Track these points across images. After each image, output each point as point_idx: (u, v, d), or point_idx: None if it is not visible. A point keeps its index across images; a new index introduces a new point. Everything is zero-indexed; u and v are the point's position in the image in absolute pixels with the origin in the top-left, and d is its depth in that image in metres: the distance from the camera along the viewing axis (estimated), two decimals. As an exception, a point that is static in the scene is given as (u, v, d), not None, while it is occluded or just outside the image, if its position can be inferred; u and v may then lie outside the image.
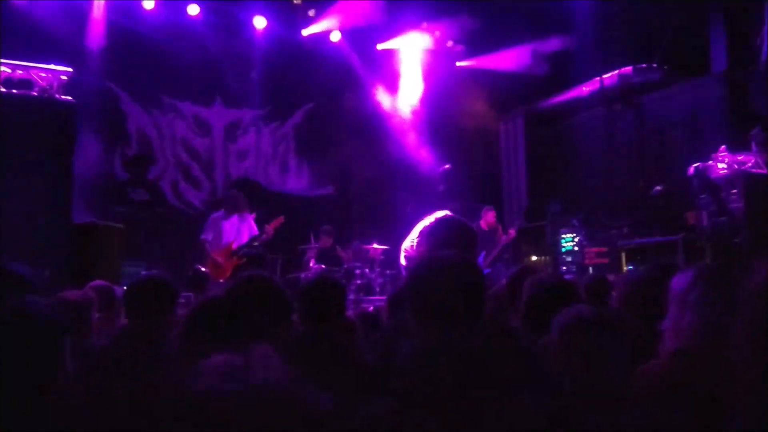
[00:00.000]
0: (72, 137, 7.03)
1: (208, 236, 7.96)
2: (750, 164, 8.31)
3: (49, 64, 7.12)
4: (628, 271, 8.26)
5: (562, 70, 11.71)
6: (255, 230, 8.01)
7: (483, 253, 9.02)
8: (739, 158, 8.32)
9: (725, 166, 8.24)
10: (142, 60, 10.74)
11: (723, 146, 8.44)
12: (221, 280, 7.59)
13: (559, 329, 1.86)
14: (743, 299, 1.10)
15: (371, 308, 7.04)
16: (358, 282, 9.32)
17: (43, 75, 7.01)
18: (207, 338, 2.04)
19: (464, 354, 1.54)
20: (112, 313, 3.53)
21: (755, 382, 1.06)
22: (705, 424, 1.69)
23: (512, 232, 9.69)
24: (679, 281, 1.89)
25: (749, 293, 1.09)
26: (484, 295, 1.92)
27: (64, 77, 7.08)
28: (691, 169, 8.38)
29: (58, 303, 3.43)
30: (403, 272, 8.71)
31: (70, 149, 7.02)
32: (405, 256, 9.74)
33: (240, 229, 7.99)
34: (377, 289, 9.44)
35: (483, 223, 9.23)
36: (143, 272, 5.95)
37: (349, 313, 4.95)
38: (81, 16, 10.19)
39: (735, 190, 7.95)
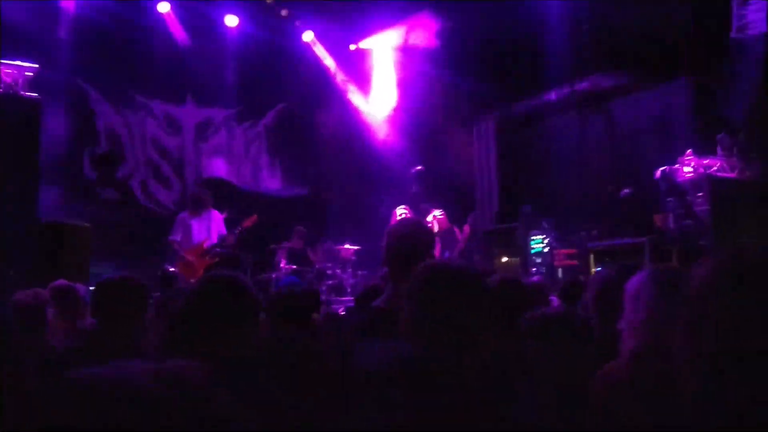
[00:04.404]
0: (37, 135, 6.90)
1: (176, 236, 7.87)
2: (716, 168, 8.46)
3: (14, 59, 6.99)
4: (598, 271, 8.35)
5: (534, 75, 11.81)
6: (223, 229, 7.95)
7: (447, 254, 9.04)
8: (705, 162, 8.47)
9: (692, 169, 8.38)
10: (112, 57, 10.58)
11: (690, 150, 8.59)
12: (192, 280, 7.51)
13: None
14: (683, 297, 1.13)
15: (341, 309, 7.02)
16: (330, 282, 9.30)
17: (8, 71, 6.88)
18: (182, 346, 2.00)
19: (462, 368, 1.51)
20: (74, 312, 3.46)
21: (694, 378, 1.08)
22: (661, 422, 1.72)
23: (466, 228, 9.89)
24: (632, 282, 1.94)
25: (688, 292, 1.11)
26: (487, 306, 1.81)
27: (29, 73, 6.96)
28: (659, 173, 8.51)
29: (12, 306, 3.36)
30: None
31: (36, 147, 6.89)
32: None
33: (210, 228, 7.92)
34: (349, 290, 9.41)
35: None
36: (109, 273, 5.85)
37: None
38: (50, 11, 10.02)
39: (701, 194, 8.08)
